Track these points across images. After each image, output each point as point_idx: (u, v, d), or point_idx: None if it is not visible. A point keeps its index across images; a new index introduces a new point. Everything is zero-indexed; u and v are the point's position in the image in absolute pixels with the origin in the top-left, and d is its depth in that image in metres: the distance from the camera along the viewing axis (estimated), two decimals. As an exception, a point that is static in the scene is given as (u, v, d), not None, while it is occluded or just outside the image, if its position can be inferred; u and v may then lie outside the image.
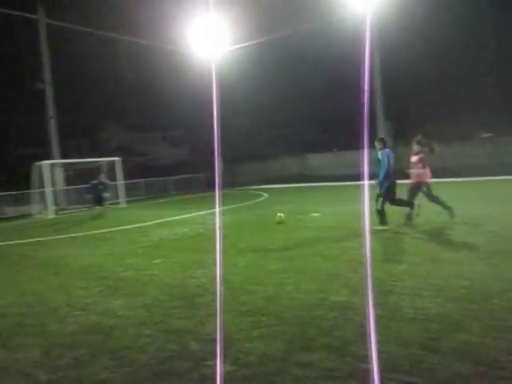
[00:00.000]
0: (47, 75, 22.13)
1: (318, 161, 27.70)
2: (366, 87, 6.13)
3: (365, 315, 3.70)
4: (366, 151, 5.83)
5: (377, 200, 8.37)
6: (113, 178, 21.09)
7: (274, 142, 31.74)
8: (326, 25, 22.15)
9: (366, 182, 7.72)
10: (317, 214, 11.41)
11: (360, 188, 7.25)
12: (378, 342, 3.22)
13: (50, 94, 22.17)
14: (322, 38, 23.54)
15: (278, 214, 10.53)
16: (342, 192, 17.32)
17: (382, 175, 8.30)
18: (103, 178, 16.43)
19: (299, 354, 3.29)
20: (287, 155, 29.77)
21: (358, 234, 7.70)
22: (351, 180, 19.09)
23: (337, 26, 21.33)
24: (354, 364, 3.05)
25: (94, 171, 22.01)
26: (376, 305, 3.98)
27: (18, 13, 21.64)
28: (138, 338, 3.79)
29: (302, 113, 30.51)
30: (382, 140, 8.66)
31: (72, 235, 11.56)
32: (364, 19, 17.12)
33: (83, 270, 6.87)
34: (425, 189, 8.55)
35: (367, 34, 14.55)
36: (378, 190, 8.43)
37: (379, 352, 3.04)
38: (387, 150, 8.48)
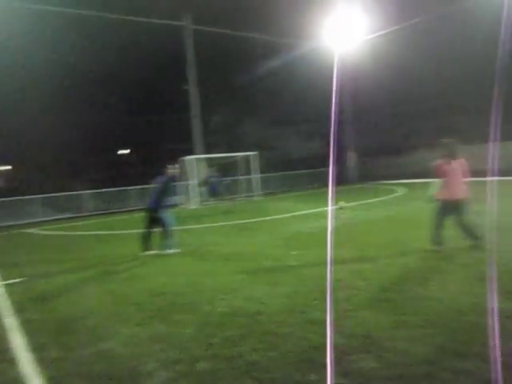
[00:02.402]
0: (192, 77, 24.10)
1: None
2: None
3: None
4: None
5: None
6: (249, 172, 22.29)
7: (412, 135, 30.06)
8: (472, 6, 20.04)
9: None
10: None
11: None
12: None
13: (194, 94, 24.12)
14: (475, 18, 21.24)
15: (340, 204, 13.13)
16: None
17: None
18: (212, 172, 17.44)
19: (450, 360, 3.07)
20: (427, 148, 27.96)
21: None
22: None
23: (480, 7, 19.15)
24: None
25: (230, 166, 23.48)
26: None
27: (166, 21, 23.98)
28: (281, 326, 3.93)
29: (446, 101, 28.18)
30: None
31: (212, 225, 12.47)
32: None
33: (225, 257, 7.36)
34: None
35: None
36: None
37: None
38: None
